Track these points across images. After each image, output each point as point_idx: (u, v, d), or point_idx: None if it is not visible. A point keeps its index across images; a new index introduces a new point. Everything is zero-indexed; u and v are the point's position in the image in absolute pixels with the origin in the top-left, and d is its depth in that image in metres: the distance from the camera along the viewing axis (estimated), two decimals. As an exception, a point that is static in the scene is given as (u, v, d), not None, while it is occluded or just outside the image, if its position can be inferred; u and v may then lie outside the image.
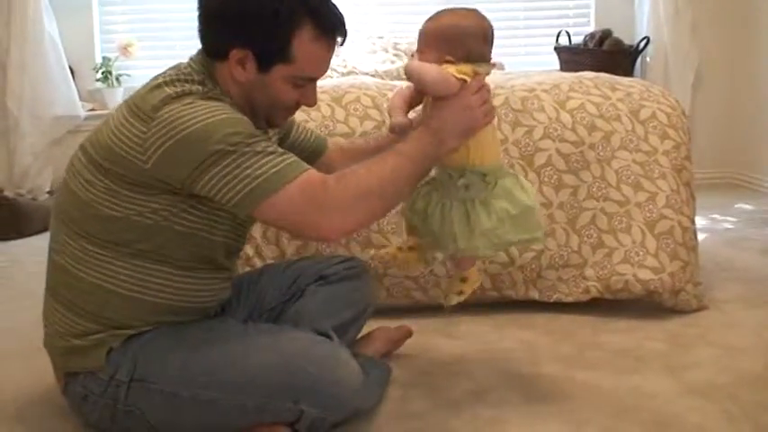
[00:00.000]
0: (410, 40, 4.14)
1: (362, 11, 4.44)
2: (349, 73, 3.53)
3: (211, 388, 1.49)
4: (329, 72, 2.16)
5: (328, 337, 1.61)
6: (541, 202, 2.29)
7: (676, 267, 2.26)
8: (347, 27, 1.56)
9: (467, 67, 1.55)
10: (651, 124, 2.38)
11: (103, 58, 4.37)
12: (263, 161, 1.40)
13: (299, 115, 1.96)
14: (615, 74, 2.76)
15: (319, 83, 1.63)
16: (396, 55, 3.98)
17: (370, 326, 1.94)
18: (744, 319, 2.27)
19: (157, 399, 1.50)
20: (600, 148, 2.33)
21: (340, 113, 2.34)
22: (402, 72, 3.76)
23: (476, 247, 1.60)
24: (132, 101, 1.49)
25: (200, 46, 1.56)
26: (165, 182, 1.45)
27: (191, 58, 1.57)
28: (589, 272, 2.30)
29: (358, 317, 1.84)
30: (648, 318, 2.27)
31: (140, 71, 4.32)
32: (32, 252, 3.27)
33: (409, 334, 2.03)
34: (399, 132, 1.59)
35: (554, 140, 2.32)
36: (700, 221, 2.63)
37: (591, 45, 4.29)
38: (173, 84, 1.47)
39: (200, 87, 1.49)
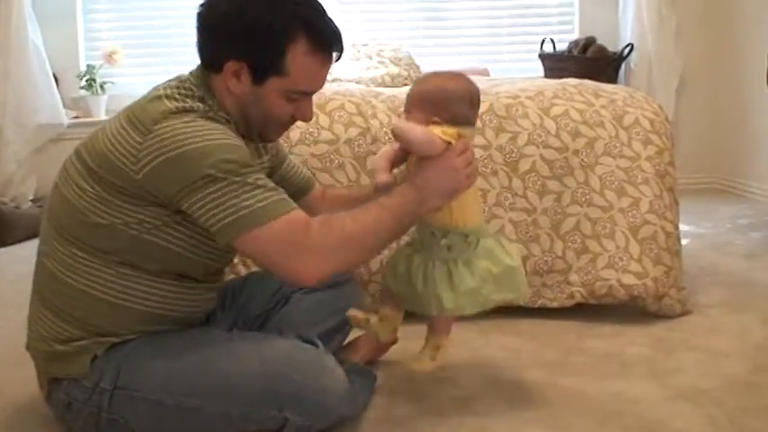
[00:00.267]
0: (393, 47, 4.16)
1: (345, 18, 4.44)
2: (333, 80, 3.53)
3: (195, 396, 1.48)
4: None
5: (313, 344, 1.61)
6: (525, 207, 2.30)
7: (660, 272, 2.27)
8: (343, 42, 1.57)
9: (452, 130, 1.57)
10: (634, 130, 2.39)
11: (88, 65, 4.34)
12: (252, 194, 1.40)
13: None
14: (599, 81, 2.78)
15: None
16: (380, 62, 3.98)
17: (355, 333, 1.93)
18: (728, 324, 2.28)
19: (141, 407, 1.49)
20: (584, 154, 2.34)
21: (324, 120, 2.33)
22: (386, 78, 3.80)
23: (462, 307, 1.62)
24: (131, 110, 1.49)
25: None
26: (153, 194, 1.44)
27: (191, 72, 1.57)
28: (573, 277, 2.30)
29: (343, 324, 1.84)
30: (633, 323, 2.28)
31: (125, 79, 4.30)
32: (15, 260, 3.25)
33: (395, 341, 2.03)
34: (383, 190, 1.59)
35: (538, 146, 2.33)
36: (683, 226, 2.64)
37: (575, 52, 4.32)
38: (174, 98, 1.48)
39: (200, 105, 1.49)
